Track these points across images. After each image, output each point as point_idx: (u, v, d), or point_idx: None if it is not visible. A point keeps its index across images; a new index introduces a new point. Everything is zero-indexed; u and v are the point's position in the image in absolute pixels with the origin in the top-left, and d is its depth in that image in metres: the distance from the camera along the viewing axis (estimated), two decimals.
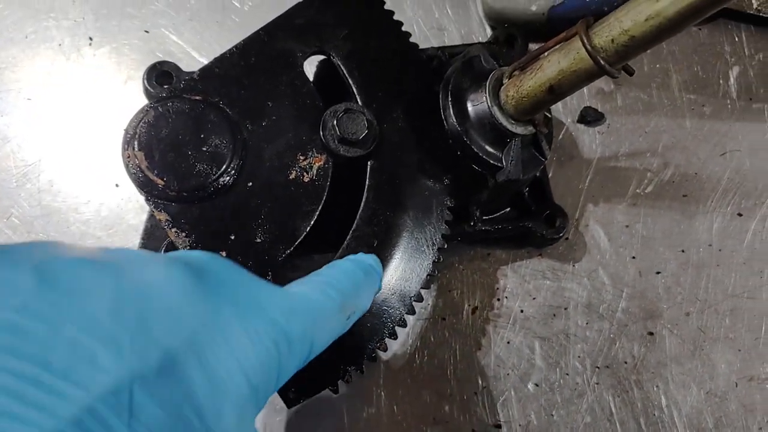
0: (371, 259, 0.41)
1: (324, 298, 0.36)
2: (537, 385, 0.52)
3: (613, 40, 0.38)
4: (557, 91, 0.42)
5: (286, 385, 0.43)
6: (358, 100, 0.47)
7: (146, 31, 0.59)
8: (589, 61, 0.39)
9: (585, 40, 0.39)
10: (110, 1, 0.59)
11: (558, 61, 0.41)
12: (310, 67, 0.51)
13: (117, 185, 0.55)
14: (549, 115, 0.49)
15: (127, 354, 0.26)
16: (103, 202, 0.55)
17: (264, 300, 0.33)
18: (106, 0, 0.59)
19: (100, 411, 0.24)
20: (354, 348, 0.44)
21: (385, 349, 0.45)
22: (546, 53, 0.43)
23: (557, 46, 0.42)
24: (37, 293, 0.25)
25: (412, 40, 0.51)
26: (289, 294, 0.35)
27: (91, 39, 0.59)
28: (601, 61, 0.39)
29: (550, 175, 0.55)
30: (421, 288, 0.46)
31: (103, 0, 0.59)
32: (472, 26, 0.59)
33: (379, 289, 0.42)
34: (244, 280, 0.33)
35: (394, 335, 0.45)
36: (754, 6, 0.56)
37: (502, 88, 0.45)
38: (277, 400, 0.51)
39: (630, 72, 0.42)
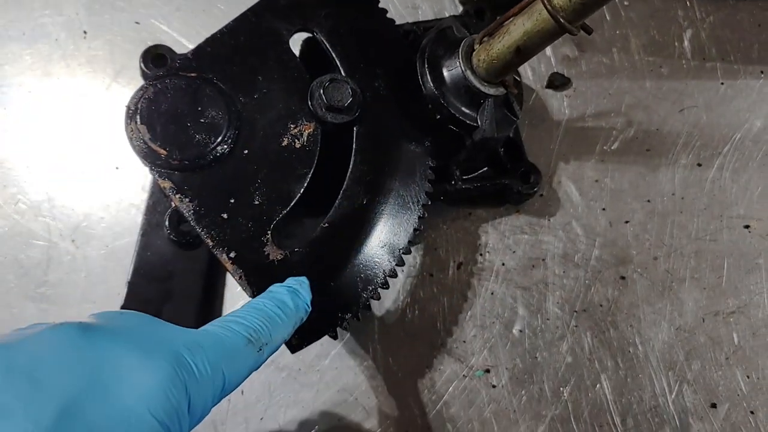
0: (290, 290, 0.43)
1: (230, 334, 0.37)
2: (521, 331, 0.56)
3: (570, 0, 0.42)
4: (524, 51, 0.46)
5: None
6: (342, 71, 0.51)
7: (137, 23, 0.62)
8: (550, 21, 0.43)
9: (546, 2, 0.43)
10: None
11: (523, 23, 0.45)
12: (295, 46, 0.55)
13: (117, 168, 0.59)
14: (519, 79, 0.53)
15: (21, 420, 0.27)
16: (105, 184, 0.59)
17: (167, 338, 0.34)
18: None
19: None
20: (349, 298, 0.48)
21: (379, 298, 0.49)
22: (512, 18, 0.47)
23: (521, 12, 0.46)
24: None
25: (393, 19, 0.55)
26: (194, 331, 0.36)
27: (85, 32, 0.62)
28: (561, 20, 0.43)
29: (523, 137, 0.59)
30: (409, 241, 0.50)
31: None
32: (444, 4, 0.63)
33: (307, 311, 0.43)
34: (147, 324, 0.35)
35: (386, 285, 0.49)
36: None
37: (474, 53, 0.49)
38: (279, 358, 0.55)
39: (588, 31, 0.46)
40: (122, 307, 0.53)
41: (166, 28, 0.62)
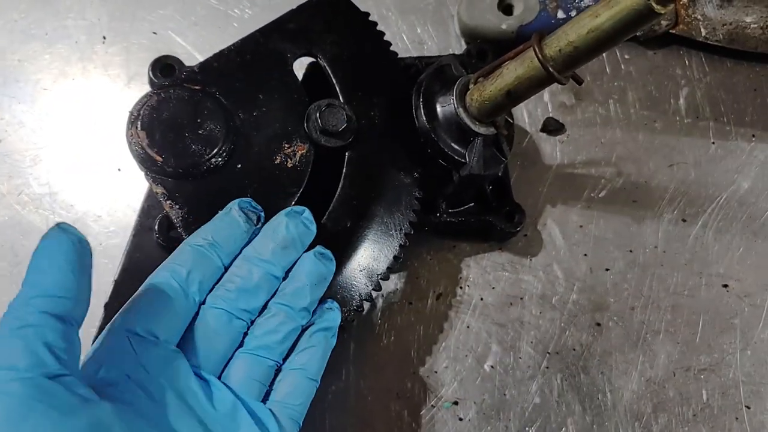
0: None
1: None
2: (492, 366, 0.57)
3: (560, 51, 0.44)
4: (514, 95, 0.48)
5: None
6: (340, 98, 0.53)
7: (154, 33, 0.65)
8: (540, 69, 0.45)
9: (537, 51, 0.45)
10: (124, 5, 0.65)
11: (515, 68, 0.47)
12: (300, 70, 0.56)
13: (119, 170, 0.61)
14: (511, 120, 0.55)
15: None
16: (106, 184, 0.61)
17: None
18: (120, 4, 0.65)
19: None
20: None
21: (353, 320, 0.50)
22: (506, 63, 0.49)
23: (516, 57, 0.48)
24: None
25: (396, 51, 0.57)
26: None
27: (104, 38, 0.65)
28: (551, 69, 0.44)
29: (513, 178, 0.60)
30: (388, 268, 0.51)
31: (117, 3, 0.65)
32: (450, 42, 0.65)
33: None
34: None
35: (361, 308, 0.50)
36: (703, 34, 0.62)
37: (468, 92, 0.51)
38: None
39: (579, 81, 0.48)
40: (106, 305, 0.54)
41: (182, 40, 0.65)
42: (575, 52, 0.43)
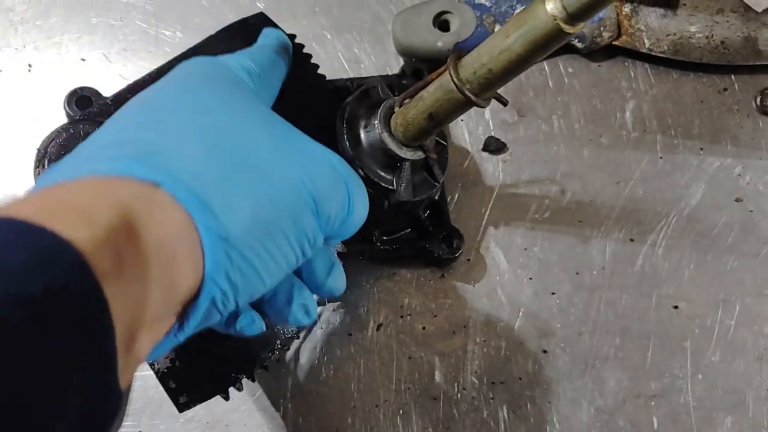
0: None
1: None
2: (435, 399, 0.54)
3: (475, 73, 0.42)
4: (436, 118, 0.45)
5: (178, 391, 0.45)
6: None
7: (83, 59, 0.63)
8: (457, 92, 0.43)
9: (452, 74, 0.42)
10: (50, 32, 0.63)
11: (435, 91, 0.45)
12: None
13: None
14: (443, 142, 0.53)
15: None
16: None
17: None
18: (46, 30, 0.63)
19: None
20: (246, 357, 0.47)
21: (278, 359, 0.48)
22: (429, 84, 0.47)
23: (437, 78, 0.46)
24: None
25: (332, 71, 0.55)
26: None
27: (30, 66, 0.62)
28: (467, 92, 0.42)
29: (455, 200, 0.58)
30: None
31: (43, 29, 0.63)
32: (389, 60, 0.63)
33: None
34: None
35: (287, 347, 0.48)
36: (647, 45, 0.60)
37: (393, 116, 0.49)
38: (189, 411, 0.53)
39: (503, 102, 0.45)
40: None
41: (110, 66, 0.62)
42: (490, 74, 0.41)
